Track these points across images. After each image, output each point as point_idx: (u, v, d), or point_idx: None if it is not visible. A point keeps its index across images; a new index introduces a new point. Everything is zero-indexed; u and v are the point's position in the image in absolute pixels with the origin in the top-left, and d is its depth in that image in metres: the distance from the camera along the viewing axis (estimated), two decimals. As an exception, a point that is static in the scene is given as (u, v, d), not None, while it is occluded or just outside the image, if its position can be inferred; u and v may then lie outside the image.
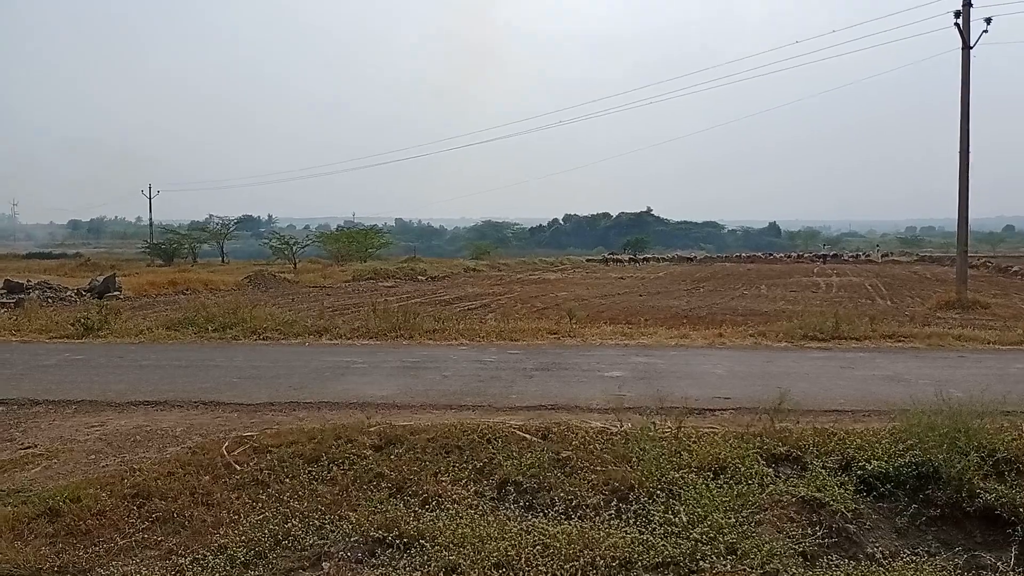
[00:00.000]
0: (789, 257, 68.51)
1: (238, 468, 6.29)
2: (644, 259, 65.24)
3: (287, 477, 6.08)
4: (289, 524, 5.35)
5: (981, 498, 5.74)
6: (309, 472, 6.15)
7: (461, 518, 5.41)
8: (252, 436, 7.01)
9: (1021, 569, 5.25)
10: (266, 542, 5.16)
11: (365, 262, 47.07)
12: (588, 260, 63.70)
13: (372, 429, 6.92)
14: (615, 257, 66.45)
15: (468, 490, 5.91)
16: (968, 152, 21.77)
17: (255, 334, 13.63)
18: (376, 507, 5.63)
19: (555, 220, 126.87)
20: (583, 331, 13.74)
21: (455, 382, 9.24)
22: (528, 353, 11.44)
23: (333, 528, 5.33)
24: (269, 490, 5.90)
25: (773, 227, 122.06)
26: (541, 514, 5.62)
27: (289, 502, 5.68)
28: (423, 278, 37.99)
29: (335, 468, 6.19)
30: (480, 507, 5.67)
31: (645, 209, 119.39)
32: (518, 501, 5.78)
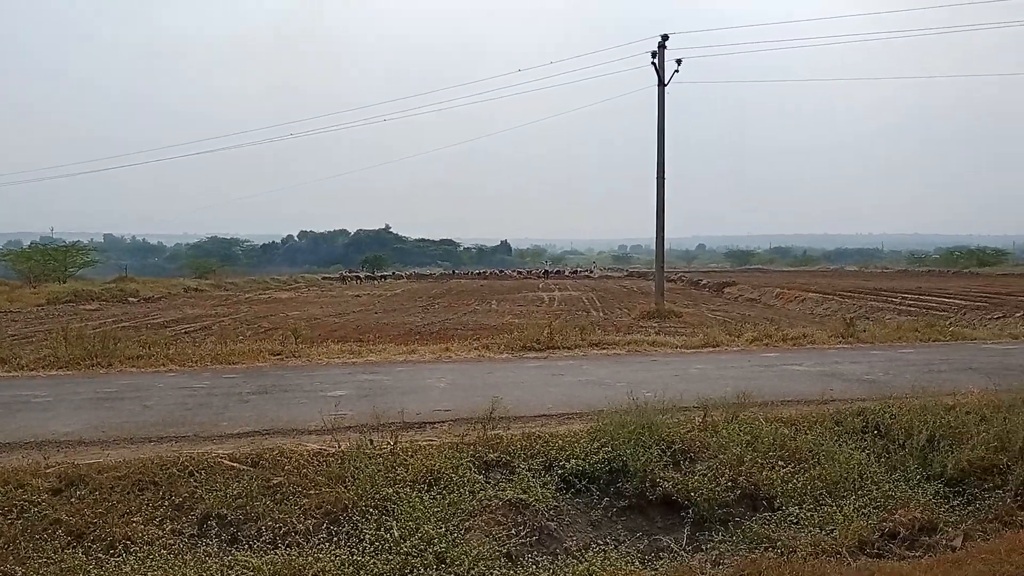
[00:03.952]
0: (519, 273, 72.54)
1: None
2: (382, 276, 65.33)
3: (-69, 536, 5.14)
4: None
5: (661, 487, 6.43)
6: (-39, 527, 5.24)
7: (153, 561, 4.94)
8: None
9: (692, 547, 5.96)
10: None
11: (64, 283, 41.73)
12: (324, 278, 62.32)
13: (50, 471, 6.08)
14: (352, 275, 65.73)
15: (163, 529, 5.42)
16: (664, 177, 24.63)
17: (-100, 369, 11.41)
18: (50, 558, 4.98)
19: (290, 236, 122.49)
20: (309, 351, 13.31)
21: (157, 412, 8.43)
22: (246, 376, 10.80)
23: (-9, 589, 4.59)
24: (-95, 555, 4.94)
25: (505, 245, 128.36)
26: (246, 546, 5.31)
27: (-68, 566, 4.79)
28: (135, 300, 34.61)
29: (0, 518, 5.34)
30: (176, 546, 5.22)
31: (384, 226, 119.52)
32: (221, 535, 5.42)
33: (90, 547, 5.10)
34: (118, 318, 25.38)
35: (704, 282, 50.02)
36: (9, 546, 5.13)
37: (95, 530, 5.29)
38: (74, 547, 5.11)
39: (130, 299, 34.62)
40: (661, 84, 24.13)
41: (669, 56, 23.93)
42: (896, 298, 30.27)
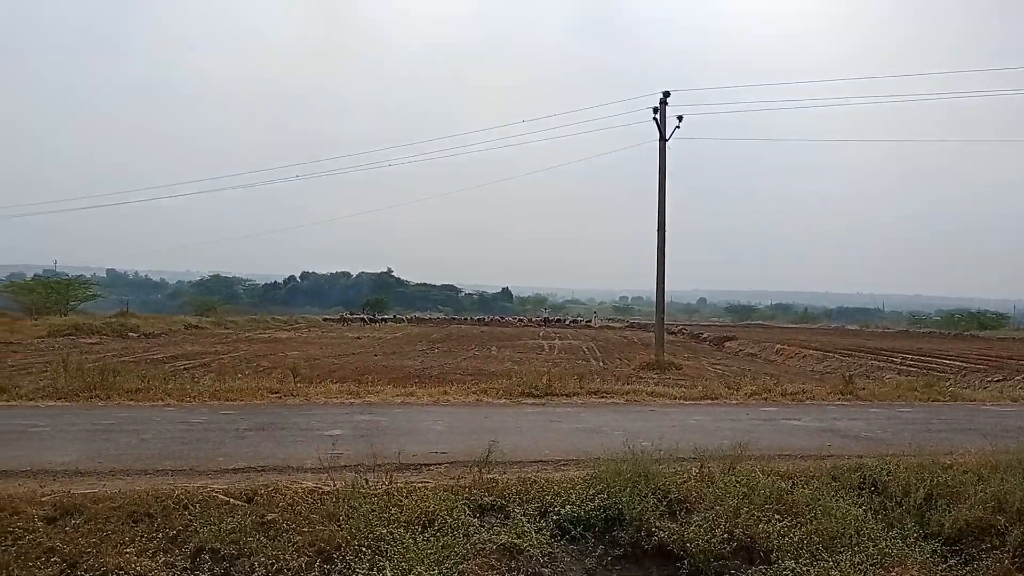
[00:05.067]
0: (520, 321, 72.56)
1: None
2: (383, 319, 65.30)
3: (-75, 561, 5.12)
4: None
5: (657, 536, 6.40)
6: (-43, 553, 5.23)
7: (144, 593, 4.91)
8: None
9: (687, 598, 5.91)
10: None
11: (66, 316, 41.77)
12: (325, 319, 62.36)
13: (45, 499, 6.08)
14: (353, 316, 65.78)
15: (156, 561, 5.40)
16: (664, 229, 24.88)
17: (-96, 396, 11.44)
18: (42, 587, 4.94)
19: (292, 277, 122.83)
20: (308, 390, 13.32)
21: (154, 445, 8.43)
22: (243, 413, 10.80)
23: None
24: None
25: (506, 292, 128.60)
26: (239, 582, 5.28)
27: (-77, 591, 4.78)
28: (135, 335, 34.59)
29: (-7, 546, 5.34)
30: (168, 579, 5.20)
31: (386, 270, 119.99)
32: (214, 569, 5.40)
33: (82, 576, 5.08)
34: (118, 352, 25.38)
35: (705, 335, 49.99)
36: (2, 572, 5.11)
37: (88, 559, 5.28)
38: (66, 576, 5.09)
39: (130, 334, 34.62)
40: (663, 139, 24.54)
41: (671, 112, 24.39)
42: (896, 358, 30.25)
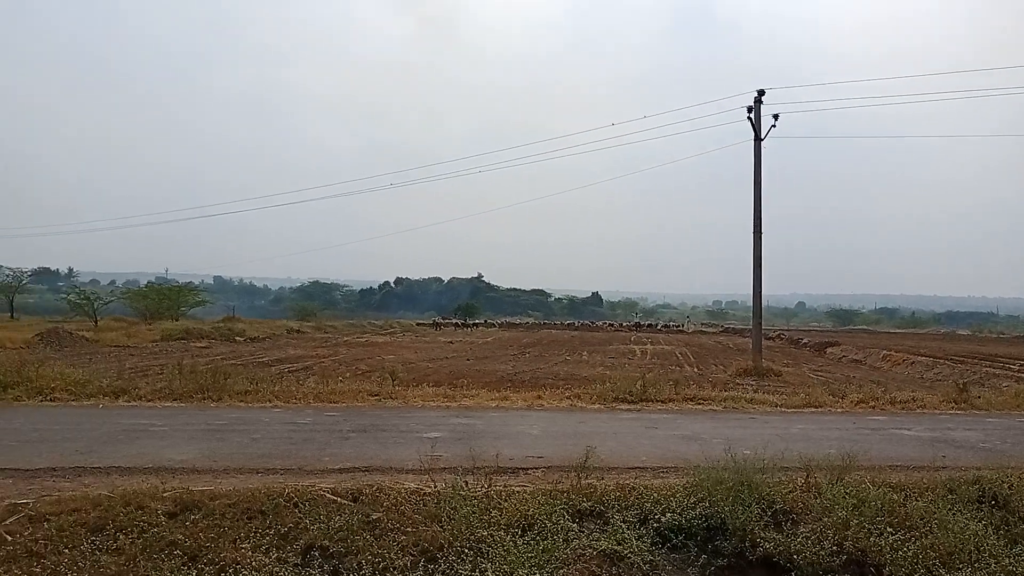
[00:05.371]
0: (611, 325, 72.03)
1: (9, 539, 5.63)
2: (474, 324, 66.14)
3: (66, 548, 5.53)
4: (63, 600, 4.84)
5: (762, 547, 6.24)
6: (92, 542, 5.62)
7: (261, 587, 5.14)
8: (27, 504, 6.30)
9: (795, 612, 5.73)
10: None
11: (177, 321, 44.19)
12: (418, 324, 63.67)
13: (167, 495, 6.44)
14: (446, 321, 66.86)
15: (270, 557, 5.63)
16: (760, 232, 24.20)
17: (40, 395, 12.35)
18: (166, 577, 5.24)
19: (386, 283, 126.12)
20: (405, 393, 13.64)
21: (264, 445, 8.82)
22: (346, 415, 11.16)
23: (114, 602, 4.88)
24: (44, 562, 5.33)
25: (596, 296, 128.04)
26: (347, 578, 5.45)
27: (66, 574, 5.14)
28: (241, 339, 36.23)
29: (122, 537, 5.70)
30: (282, 574, 5.42)
31: (476, 275, 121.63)
32: (323, 566, 5.58)
33: (203, 569, 5.35)
34: (226, 356, 26.63)
35: (804, 341, 48.30)
36: (130, 564, 5.44)
37: (207, 554, 5.56)
38: (188, 568, 5.37)
39: (237, 338, 36.29)
40: (757, 139, 23.91)
41: (765, 111, 23.75)
42: (1014, 365, 28.40)
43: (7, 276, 57.92)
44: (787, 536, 6.38)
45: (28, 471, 7.50)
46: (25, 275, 60.69)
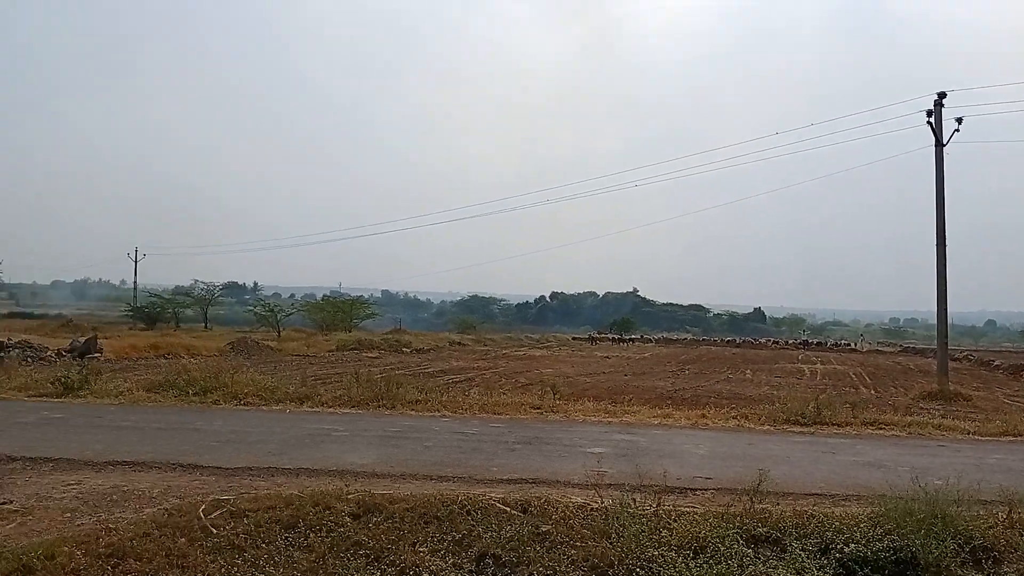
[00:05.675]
0: (775, 343, 68.83)
1: (214, 531, 6.20)
2: (630, 339, 65.45)
3: (264, 542, 6.01)
4: (264, 590, 5.26)
5: (959, 585, 5.74)
6: (286, 538, 6.08)
7: (441, 591, 5.35)
8: (229, 500, 6.94)
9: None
10: (239, 608, 5.06)
11: (350, 332, 47.00)
12: (574, 338, 63.81)
13: (351, 497, 6.87)
14: (601, 336, 66.63)
15: (446, 562, 5.85)
16: (944, 245, 22.32)
17: (236, 399, 13.55)
18: (353, 576, 5.57)
19: (542, 297, 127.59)
20: (566, 407, 13.75)
21: (436, 453, 9.21)
22: (510, 426, 11.42)
23: (308, 596, 5.24)
24: (245, 555, 5.81)
25: (758, 312, 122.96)
26: (520, 589, 5.56)
27: (265, 567, 5.59)
28: (408, 350, 37.92)
29: (312, 535, 6.12)
30: (458, 580, 5.61)
31: (631, 290, 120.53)
32: (496, 574, 5.73)
33: (385, 570, 5.65)
34: (395, 366, 27.98)
35: (996, 363, 43.82)
36: (319, 561, 5.83)
37: (389, 555, 5.86)
38: (372, 568, 5.68)
39: (404, 349, 38.03)
40: (939, 145, 22.06)
41: (947, 115, 21.90)
42: None
43: (202, 290, 63.91)
44: (987, 575, 5.84)
45: (228, 469, 8.26)
46: (217, 289, 66.69)
